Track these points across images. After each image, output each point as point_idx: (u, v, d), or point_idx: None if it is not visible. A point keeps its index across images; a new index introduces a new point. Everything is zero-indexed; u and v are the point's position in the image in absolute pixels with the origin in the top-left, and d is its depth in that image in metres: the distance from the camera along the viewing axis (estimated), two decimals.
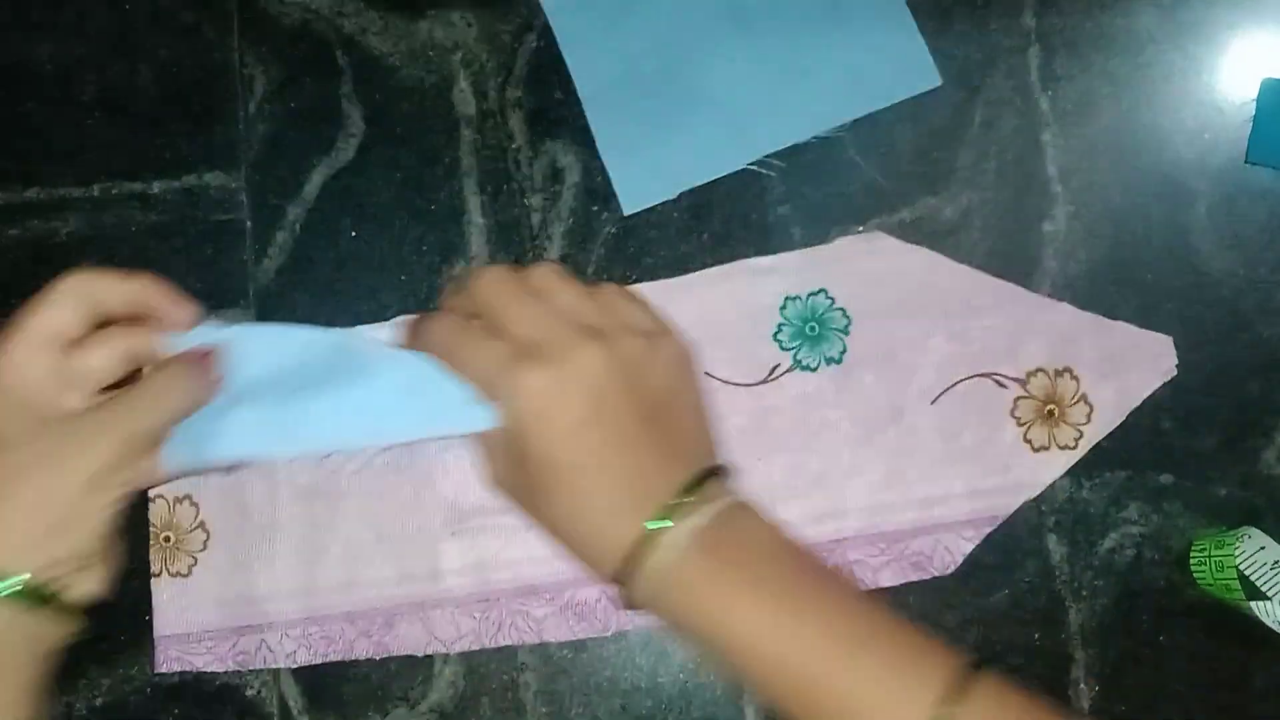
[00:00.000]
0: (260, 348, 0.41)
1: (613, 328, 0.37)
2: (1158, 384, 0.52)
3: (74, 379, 0.38)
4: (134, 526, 0.49)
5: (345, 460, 0.52)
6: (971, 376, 0.52)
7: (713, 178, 0.54)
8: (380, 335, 0.52)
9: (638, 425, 0.36)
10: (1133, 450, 0.52)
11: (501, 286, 0.38)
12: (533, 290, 0.38)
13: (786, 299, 0.53)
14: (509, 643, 0.51)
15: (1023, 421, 0.52)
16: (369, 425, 0.40)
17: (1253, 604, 0.47)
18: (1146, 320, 0.52)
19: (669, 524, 0.35)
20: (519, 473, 0.37)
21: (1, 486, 0.35)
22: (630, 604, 0.36)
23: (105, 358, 0.38)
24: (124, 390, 0.38)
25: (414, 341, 0.39)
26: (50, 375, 0.37)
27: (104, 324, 0.39)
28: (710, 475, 0.37)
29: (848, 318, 0.52)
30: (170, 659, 0.51)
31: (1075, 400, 0.52)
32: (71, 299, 0.38)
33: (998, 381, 0.52)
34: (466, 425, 0.38)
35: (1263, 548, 0.48)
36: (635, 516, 0.35)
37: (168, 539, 0.52)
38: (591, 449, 0.35)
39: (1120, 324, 0.52)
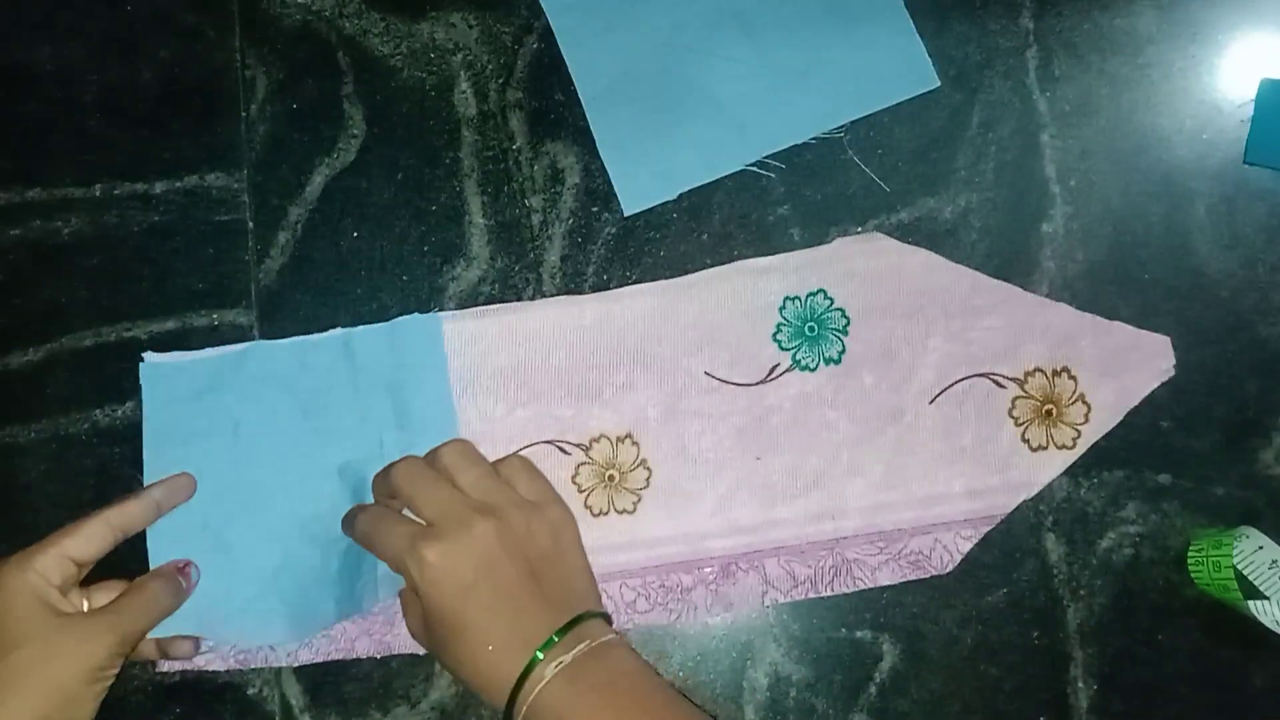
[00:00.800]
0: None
1: (504, 502, 0.45)
2: (1156, 384, 0.52)
3: (77, 583, 0.47)
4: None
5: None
6: (970, 376, 0.52)
7: (713, 178, 0.54)
8: (377, 338, 0.52)
9: (521, 583, 0.44)
10: (1131, 450, 0.52)
11: (413, 474, 0.46)
12: (441, 472, 0.46)
13: (786, 299, 0.53)
14: None
15: (1021, 421, 0.52)
16: (331, 609, 0.50)
17: (1250, 603, 0.47)
18: (1145, 320, 0.52)
19: (539, 659, 0.42)
20: (427, 626, 0.45)
21: (17, 678, 0.43)
22: None
23: (103, 549, 0.47)
24: (118, 598, 0.46)
25: (346, 530, 0.49)
26: (64, 582, 0.46)
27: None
28: (583, 620, 0.44)
29: (847, 318, 0.53)
30: None
31: (1073, 400, 0.52)
32: (103, 533, 0.47)
33: (996, 381, 0.52)
34: (394, 588, 0.50)
35: (1260, 547, 0.48)
36: (517, 656, 0.42)
37: None
38: (480, 605, 0.43)
39: (1118, 324, 0.52)
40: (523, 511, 0.45)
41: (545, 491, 0.48)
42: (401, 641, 0.51)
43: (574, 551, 0.47)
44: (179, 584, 0.48)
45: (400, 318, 0.52)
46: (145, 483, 0.50)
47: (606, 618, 0.45)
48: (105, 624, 0.45)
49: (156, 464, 0.51)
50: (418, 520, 0.46)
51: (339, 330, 0.52)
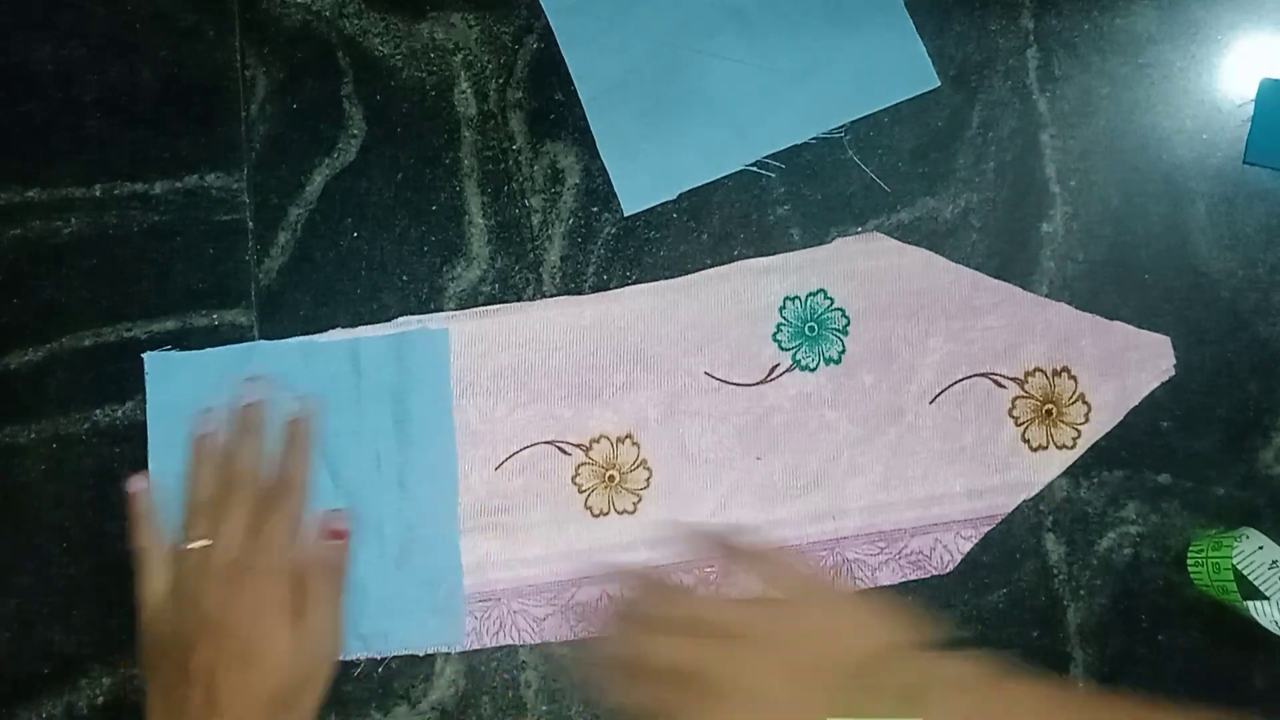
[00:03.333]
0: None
1: (756, 616, 0.40)
2: (1156, 384, 0.52)
3: None
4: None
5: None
6: (970, 376, 0.52)
7: (713, 178, 0.54)
8: (380, 339, 0.52)
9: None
10: (1131, 450, 0.52)
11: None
12: (665, 625, 0.41)
13: (786, 299, 0.53)
14: (510, 642, 0.51)
15: (1021, 421, 0.52)
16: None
17: (1249, 604, 0.48)
18: (1145, 320, 0.52)
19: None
20: None
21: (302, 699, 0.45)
22: None
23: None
24: (323, 588, 0.47)
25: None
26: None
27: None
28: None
29: (847, 318, 0.53)
30: None
31: (1073, 400, 0.52)
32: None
33: (996, 381, 0.52)
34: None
35: (1260, 548, 0.48)
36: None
37: None
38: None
39: (1118, 324, 0.52)
40: (770, 611, 0.41)
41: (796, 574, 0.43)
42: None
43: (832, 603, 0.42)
44: (342, 542, 0.49)
45: (406, 320, 0.52)
46: (150, 476, 0.50)
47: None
48: (339, 622, 0.48)
49: (161, 457, 0.51)
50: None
51: (348, 335, 0.52)
